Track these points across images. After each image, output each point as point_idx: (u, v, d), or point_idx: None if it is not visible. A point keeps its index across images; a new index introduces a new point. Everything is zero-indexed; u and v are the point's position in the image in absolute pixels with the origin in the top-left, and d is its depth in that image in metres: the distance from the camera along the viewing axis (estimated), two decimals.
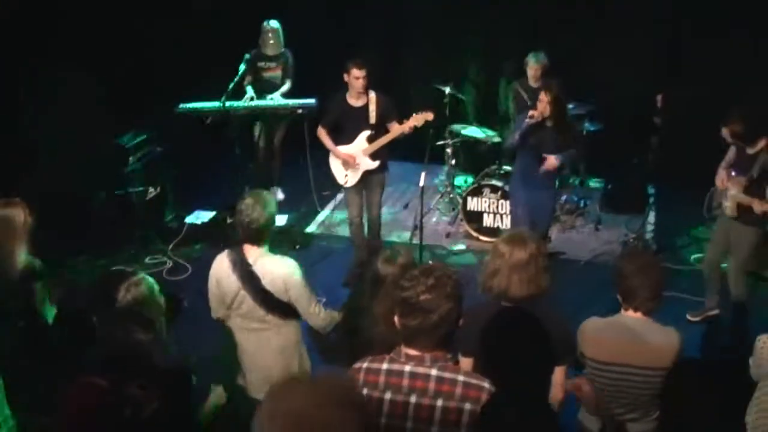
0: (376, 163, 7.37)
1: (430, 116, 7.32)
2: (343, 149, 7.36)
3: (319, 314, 4.63)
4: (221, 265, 4.63)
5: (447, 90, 8.84)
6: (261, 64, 8.81)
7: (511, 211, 7.70)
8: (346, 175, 7.43)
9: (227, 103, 8.07)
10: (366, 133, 7.29)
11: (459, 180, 9.38)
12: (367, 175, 7.44)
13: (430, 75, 9.63)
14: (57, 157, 7.88)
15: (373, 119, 7.26)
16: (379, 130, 7.30)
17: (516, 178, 7.36)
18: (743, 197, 6.29)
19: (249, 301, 4.55)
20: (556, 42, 9.14)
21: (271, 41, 8.79)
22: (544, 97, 6.69)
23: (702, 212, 6.87)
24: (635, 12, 9.48)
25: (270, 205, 4.56)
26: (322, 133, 7.39)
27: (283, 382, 2.31)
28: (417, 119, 7.25)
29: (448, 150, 8.97)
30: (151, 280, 3.87)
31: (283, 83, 8.85)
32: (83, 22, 8.36)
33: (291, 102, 8.61)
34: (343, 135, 7.37)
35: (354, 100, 7.24)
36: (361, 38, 10.03)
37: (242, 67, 8.07)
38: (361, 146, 7.33)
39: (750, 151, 6.32)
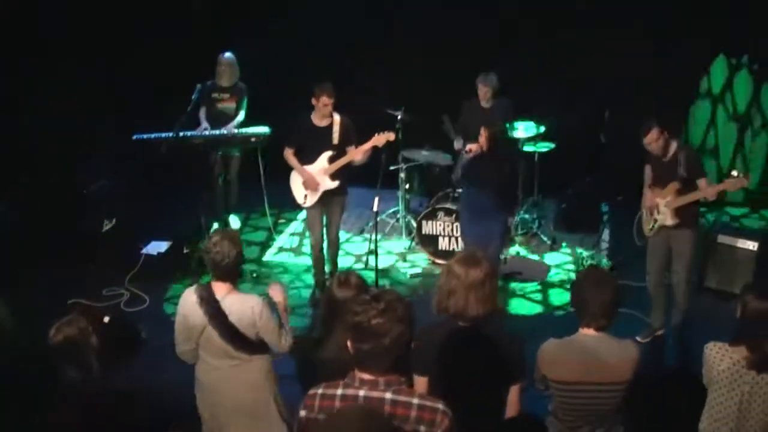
0: (335, 183, 7.41)
1: (391, 136, 7.36)
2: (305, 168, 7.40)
3: (286, 344, 4.65)
4: (188, 301, 4.61)
5: (399, 115, 8.66)
6: (215, 95, 8.82)
7: (462, 240, 7.79)
8: (305, 195, 7.46)
9: (181, 133, 8.07)
10: (328, 153, 7.34)
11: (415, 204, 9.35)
12: (327, 195, 7.46)
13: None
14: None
15: (336, 140, 7.32)
16: (341, 151, 7.36)
17: (463, 213, 7.48)
18: (687, 197, 6.41)
19: (215, 337, 4.54)
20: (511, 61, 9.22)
21: (226, 72, 8.81)
22: (483, 132, 6.93)
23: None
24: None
25: (237, 240, 4.63)
26: (289, 154, 7.44)
27: None
28: (378, 139, 7.30)
29: (402, 174, 8.96)
30: (84, 321, 4.00)
31: (236, 115, 8.84)
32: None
33: (245, 131, 8.63)
34: (306, 154, 7.41)
35: (318, 120, 7.31)
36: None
37: (194, 98, 8.08)
38: (323, 166, 7.37)
39: (666, 158, 6.48)
